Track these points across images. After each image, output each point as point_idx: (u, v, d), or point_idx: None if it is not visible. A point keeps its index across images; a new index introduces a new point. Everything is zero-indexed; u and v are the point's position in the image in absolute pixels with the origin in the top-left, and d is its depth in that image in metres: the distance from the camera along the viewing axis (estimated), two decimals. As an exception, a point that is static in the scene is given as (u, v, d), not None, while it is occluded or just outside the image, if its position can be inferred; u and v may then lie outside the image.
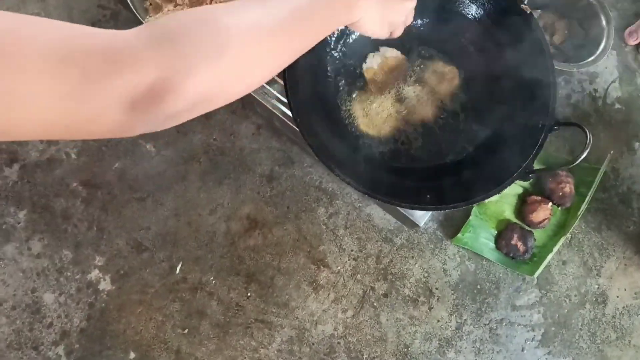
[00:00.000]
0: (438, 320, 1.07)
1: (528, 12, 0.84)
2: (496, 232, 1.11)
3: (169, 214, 1.07)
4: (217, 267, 1.05)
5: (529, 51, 0.86)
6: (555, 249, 1.07)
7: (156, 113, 0.37)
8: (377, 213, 1.11)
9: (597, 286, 1.11)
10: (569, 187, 1.09)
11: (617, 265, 1.13)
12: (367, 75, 0.90)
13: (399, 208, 0.94)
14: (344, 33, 0.90)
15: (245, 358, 1.01)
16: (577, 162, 0.73)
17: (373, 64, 0.90)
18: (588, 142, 0.73)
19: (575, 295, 1.10)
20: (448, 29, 0.91)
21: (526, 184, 1.13)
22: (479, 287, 1.09)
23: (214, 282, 1.04)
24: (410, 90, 0.90)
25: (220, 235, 1.07)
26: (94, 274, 1.03)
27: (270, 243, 1.08)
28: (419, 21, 0.92)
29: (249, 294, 1.04)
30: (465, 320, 1.07)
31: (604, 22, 1.15)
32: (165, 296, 1.03)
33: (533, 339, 1.08)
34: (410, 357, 1.04)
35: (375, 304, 1.06)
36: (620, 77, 1.27)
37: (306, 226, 1.09)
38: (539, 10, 1.21)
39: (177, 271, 1.04)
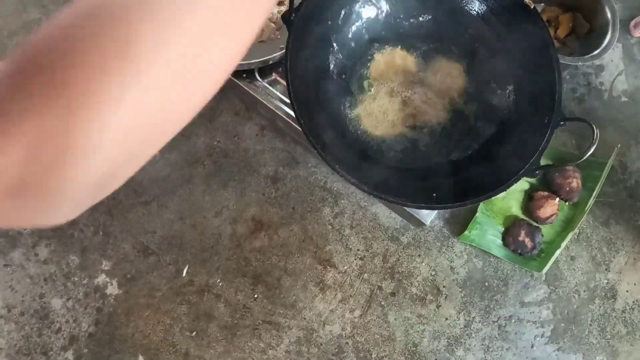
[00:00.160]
0: (446, 319, 1.06)
1: (532, 7, 0.83)
2: (503, 229, 1.11)
3: (174, 217, 1.07)
4: (224, 269, 1.05)
5: (533, 46, 0.85)
6: (563, 245, 1.06)
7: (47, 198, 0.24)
8: (383, 212, 1.11)
9: (606, 281, 1.10)
10: (576, 182, 1.08)
11: (626, 259, 1.12)
12: (371, 74, 0.89)
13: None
14: (348, 32, 0.90)
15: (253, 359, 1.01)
16: (584, 158, 0.72)
17: (377, 63, 0.90)
18: (595, 137, 0.72)
19: (585, 291, 1.10)
20: (451, 26, 0.90)
21: (533, 179, 1.12)
22: (486, 284, 1.09)
23: (220, 284, 1.04)
24: (415, 89, 0.89)
25: (226, 238, 1.07)
26: (101, 278, 1.03)
27: (276, 244, 1.07)
28: (422, 18, 0.92)
29: (256, 296, 1.04)
30: (473, 317, 1.07)
31: (608, 15, 1.13)
32: (173, 299, 1.03)
33: (542, 335, 1.07)
34: (419, 356, 1.04)
35: (382, 303, 1.06)
36: (626, 69, 1.26)
37: (312, 226, 1.09)
38: (542, 4, 1.20)
39: (184, 274, 1.04)
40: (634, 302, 1.09)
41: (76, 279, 1.03)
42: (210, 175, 1.11)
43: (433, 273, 1.08)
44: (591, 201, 1.08)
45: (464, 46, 0.91)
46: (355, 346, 1.03)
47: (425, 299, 1.07)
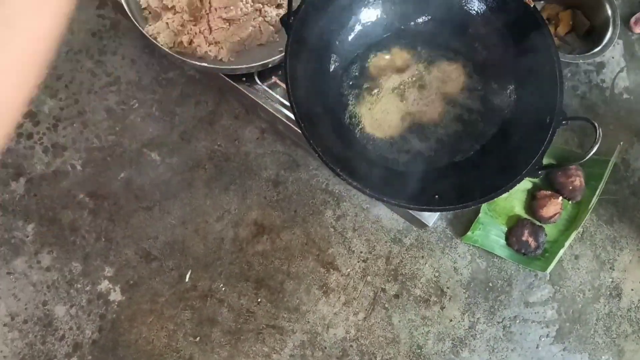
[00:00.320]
0: (451, 320, 1.06)
1: (531, 6, 0.83)
2: (506, 229, 1.10)
3: (176, 222, 1.07)
4: (227, 273, 1.05)
5: (533, 45, 0.84)
6: (567, 244, 1.06)
7: None
8: (385, 214, 1.10)
9: (611, 280, 1.10)
10: (579, 181, 1.08)
11: (630, 257, 1.12)
12: (371, 76, 0.89)
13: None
14: (347, 34, 0.89)
15: (257, 364, 1.01)
16: (587, 157, 0.72)
17: (377, 64, 0.89)
18: (598, 136, 0.72)
19: (589, 290, 1.09)
20: (451, 26, 0.90)
21: (536, 179, 1.11)
22: (490, 284, 1.08)
23: (223, 289, 1.04)
24: (416, 90, 0.89)
25: (228, 242, 1.07)
26: (104, 285, 1.03)
27: (278, 248, 1.07)
28: (422, 19, 0.91)
29: (259, 300, 1.04)
30: (478, 318, 1.06)
31: (609, 11, 1.13)
32: (176, 305, 1.02)
33: (547, 336, 1.06)
34: (423, 358, 1.03)
35: (386, 305, 1.05)
36: (628, 66, 1.25)
37: (314, 229, 1.09)
38: (542, 2, 1.19)
39: (187, 279, 1.04)
40: (639, 300, 1.09)
41: (79, 285, 1.02)
42: (211, 179, 1.10)
43: (437, 274, 1.08)
44: (594, 199, 1.07)
45: (463, 46, 0.91)
46: (360, 349, 1.03)
47: (429, 301, 1.06)
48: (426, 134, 0.87)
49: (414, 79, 0.89)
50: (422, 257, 1.09)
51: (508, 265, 1.09)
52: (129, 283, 1.03)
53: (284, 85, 0.89)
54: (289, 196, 1.10)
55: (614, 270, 1.10)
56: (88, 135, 1.12)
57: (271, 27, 0.99)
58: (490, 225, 1.10)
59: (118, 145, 1.11)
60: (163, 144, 1.12)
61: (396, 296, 1.06)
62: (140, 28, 0.93)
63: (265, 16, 0.98)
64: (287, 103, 0.91)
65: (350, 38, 0.90)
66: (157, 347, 1.00)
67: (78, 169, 1.09)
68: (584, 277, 1.10)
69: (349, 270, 1.07)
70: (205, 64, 0.93)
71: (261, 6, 0.97)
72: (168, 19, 0.93)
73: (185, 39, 0.94)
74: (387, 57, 0.90)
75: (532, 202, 1.10)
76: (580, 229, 1.09)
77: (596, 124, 0.73)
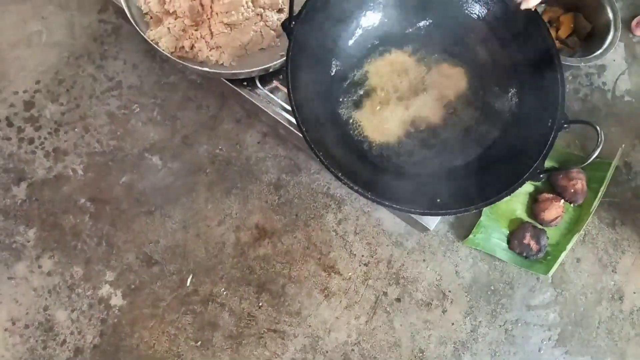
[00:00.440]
0: (452, 323, 1.05)
1: (533, 9, 0.83)
2: (508, 232, 1.10)
3: (177, 226, 1.07)
4: (228, 278, 1.05)
5: (535, 48, 0.85)
6: (569, 247, 1.06)
7: None
8: (386, 217, 1.10)
9: (613, 282, 1.10)
10: (580, 184, 1.08)
11: (632, 260, 1.11)
12: (373, 80, 0.89)
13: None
14: (348, 38, 0.89)
15: (259, 368, 1.01)
16: (589, 161, 0.72)
17: (378, 68, 0.89)
18: (599, 140, 0.72)
19: (591, 293, 1.09)
20: (452, 30, 0.90)
21: (537, 182, 1.11)
22: (492, 288, 1.08)
23: (225, 293, 1.04)
24: (417, 94, 0.89)
25: (229, 246, 1.07)
26: (105, 289, 1.03)
27: (280, 252, 1.07)
28: (423, 23, 0.91)
29: (260, 304, 1.04)
30: (480, 322, 1.06)
31: (610, 14, 1.13)
32: (177, 309, 1.02)
33: (550, 339, 1.06)
34: (425, 362, 1.03)
35: (388, 309, 1.05)
36: (629, 68, 1.25)
37: (315, 233, 1.09)
38: (543, 5, 1.19)
39: (188, 284, 1.04)
40: (641, 303, 1.08)
41: (80, 290, 1.02)
42: (213, 184, 1.10)
43: (438, 278, 1.08)
44: (596, 202, 1.07)
45: (464, 50, 0.91)
46: (362, 353, 1.02)
47: (431, 304, 1.06)
48: (427, 138, 0.87)
49: (415, 83, 0.89)
50: (424, 260, 1.09)
51: (510, 268, 1.09)
52: (130, 287, 1.03)
53: (285, 90, 0.90)
54: (290, 200, 1.10)
55: (616, 273, 1.10)
56: (89, 139, 1.12)
57: (272, 32, 0.99)
58: (492, 229, 1.10)
59: (119, 150, 1.11)
60: (164, 148, 1.12)
61: (398, 300, 1.06)
62: (142, 33, 0.93)
63: (267, 21, 0.98)
64: (289, 107, 0.91)
65: (351, 42, 0.90)
66: (159, 352, 1.00)
67: (79, 174, 1.09)
68: (586, 280, 1.09)
69: (350, 274, 1.07)
70: (207, 69, 0.93)
71: (262, 11, 0.98)
72: (169, 24, 0.93)
73: (186, 43, 0.94)
74: (389, 60, 0.90)
75: (534, 205, 1.10)
76: (582, 232, 1.09)
77: (598, 128, 0.73)
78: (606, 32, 1.12)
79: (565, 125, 0.78)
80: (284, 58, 0.78)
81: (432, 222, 0.98)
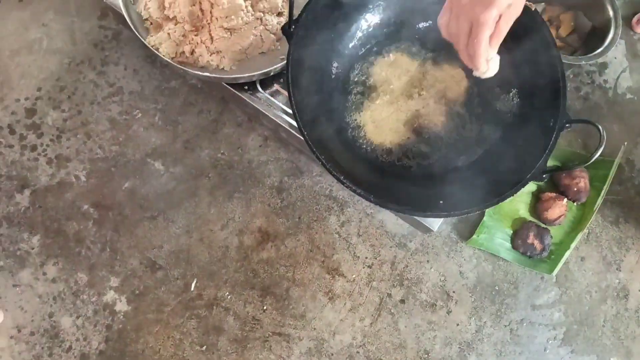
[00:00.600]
0: (457, 324, 1.05)
1: (532, 9, 0.82)
2: (512, 232, 1.10)
3: (180, 231, 1.07)
4: (232, 282, 1.05)
5: (535, 47, 0.84)
6: (572, 246, 1.05)
7: None
8: (389, 219, 1.10)
9: (617, 281, 1.09)
10: (583, 182, 1.08)
11: (637, 258, 1.11)
12: (374, 82, 0.89)
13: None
14: (349, 41, 0.89)
15: (265, 372, 1.01)
16: (591, 161, 0.72)
17: (379, 70, 0.89)
18: (602, 139, 0.71)
19: (596, 291, 1.08)
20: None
21: (540, 182, 1.11)
22: (497, 288, 1.08)
23: (229, 297, 1.04)
24: (418, 96, 0.88)
25: (233, 250, 1.07)
26: (110, 295, 1.03)
27: (283, 255, 1.07)
28: (423, 24, 0.91)
29: (265, 308, 1.04)
30: (484, 322, 1.06)
31: (610, 12, 1.12)
32: (182, 314, 1.02)
33: (555, 338, 1.06)
34: (431, 363, 1.03)
35: (392, 310, 1.05)
36: (630, 66, 1.25)
37: (319, 236, 1.09)
38: (543, 4, 1.19)
39: (192, 288, 1.04)
40: (647, 301, 1.08)
41: (85, 296, 1.02)
42: (215, 188, 1.11)
43: (442, 278, 1.08)
44: (599, 200, 1.07)
45: (465, 50, 0.91)
46: (367, 355, 1.02)
47: (436, 305, 1.06)
48: (429, 139, 0.87)
49: (415, 84, 0.89)
50: (428, 261, 1.09)
51: (514, 268, 1.09)
52: (135, 293, 1.03)
53: (286, 93, 0.90)
54: (293, 203, 1.10)
55: (620, 271, 1.10)
56: (92, 145, 1.12)
57: (272, 36, 0.99)
58: (495, 229, 1.10)
59: (122, 156, 1.11)
60: (166, 153, 1.12)
61: (402, 301, 1.06)
62: (142, 39, 0.93)
63: (267, 25, 0.98)
64: (290, 110, 0.91)
65: (351, 45, 0.90)
66: (164, 357, 1.00)
67: (82, 180, 1.09)
68: (591, 278, 1.09)
69: (354, 276, 1.07)
70: (208, 74, 0.93)
71: (262, 15, 0.98)
72: (169, 29, 0.93)
73: (187, 49, 0.94)
74: (389, 62, 0.90)
75: (537, 204, 1.10)
76: (585, 231, 1.09)
77: (600, 127, 0.73)
78: (607, 30, 1.12)
79: (567, 125, 0.78)
80: (285, 61, 0.78)
81: (436, 223, 0.98)
